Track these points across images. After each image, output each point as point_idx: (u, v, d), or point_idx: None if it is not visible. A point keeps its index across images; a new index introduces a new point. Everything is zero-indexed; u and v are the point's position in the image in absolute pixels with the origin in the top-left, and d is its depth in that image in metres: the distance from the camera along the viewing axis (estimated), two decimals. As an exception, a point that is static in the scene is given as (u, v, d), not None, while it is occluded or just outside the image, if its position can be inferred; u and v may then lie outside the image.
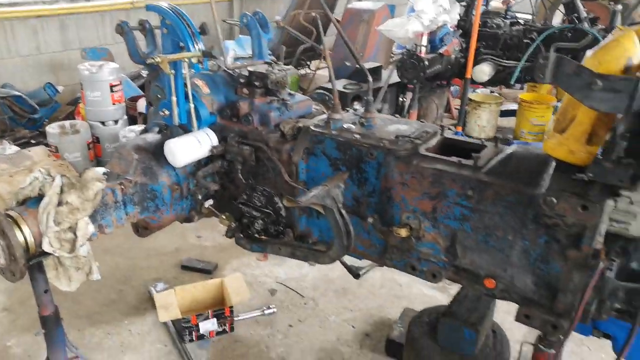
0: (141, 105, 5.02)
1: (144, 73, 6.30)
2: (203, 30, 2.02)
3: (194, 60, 2.00)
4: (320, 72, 7.70)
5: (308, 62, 8.18)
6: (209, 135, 2.27)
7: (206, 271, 3.39)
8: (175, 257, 3.59)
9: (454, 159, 1.76)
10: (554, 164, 1.56)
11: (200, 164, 2.32)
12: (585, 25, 4.94)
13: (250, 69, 2.27)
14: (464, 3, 5.52)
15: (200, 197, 2.41)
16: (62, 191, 2.00)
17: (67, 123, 4.87)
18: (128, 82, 5.60)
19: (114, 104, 4.92)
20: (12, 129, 5.72)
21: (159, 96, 2.26)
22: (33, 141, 5.54)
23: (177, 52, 2.08)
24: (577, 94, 1.27)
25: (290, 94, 2.37)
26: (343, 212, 1.87)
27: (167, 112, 2.17)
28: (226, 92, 2.34)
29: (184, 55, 1.98)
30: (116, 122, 4.99)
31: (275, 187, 2.25)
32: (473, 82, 5.34)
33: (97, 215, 2.10)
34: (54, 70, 6.54)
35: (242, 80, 2.27)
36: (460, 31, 5.44)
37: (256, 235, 2.35)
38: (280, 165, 2.14)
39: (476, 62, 5.28)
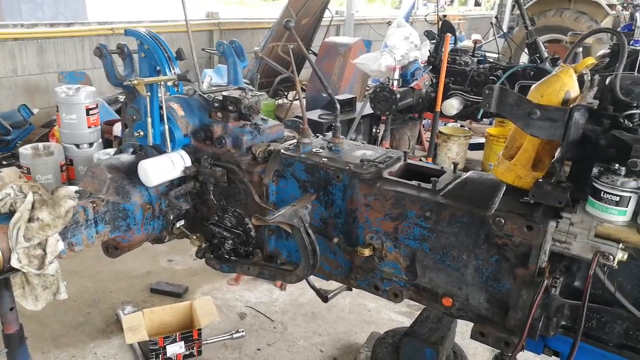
0: (117, 129, 5.05)
1: (121, 98, 6.35)
2: (179, 55, 2.12)
3: (169, 84, 2.09)
4: (297, 102, 7.87)
5: (285, 93, 8.37)
6: (182, 156, 2.33)
7: (176, 294, 3.38)
8: (146, 281, 3.57)
9: (414, 182, 1.87)
10: (504, 188, 1.68)
11: (173, 184, 2.38)
12: (547, 64, 5.25)
13: (224, 93, 2.36)
14: (434, 41, 5.80)
15: (172, 217, 2.46)
16: (33, 207, 2.02)
17: (40, 145, 4.85)
18: (105, 106, 5.64)
19: (89, 127, 4.93)
20: (-17, 150, 5.65)
21: (134, 117, 2.33)
22: (5, 162, 5.48)
23: (154, 75, 2.17)
24: (519, 122, 1.40)
25: (263, 119, 2.46)
26: (310, 231, 1.94)
27: (142, 133, 2.24)
28: (200, 116, 2.42)
29: (160, 78, 2.07)
30: (91, 145, 5.00)
31: (246, 209, 2.31)
32: (443, 115, 5.56)
33: (67, 232, 2.12)
34: (30, 92, 6.53)
35: (216, 105, 2.36)
36: (431, 67, 5.69)
37: (226, 255, 2.40)
38: (252, 186, 2.21)
39: (446, 97, 5.52)
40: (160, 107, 2.19)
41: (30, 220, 2.00)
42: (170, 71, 2.10)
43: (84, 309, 3.21)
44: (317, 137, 2.37)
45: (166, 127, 2.22)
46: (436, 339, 2.16)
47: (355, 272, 2.01)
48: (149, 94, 2.11)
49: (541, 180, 1.46)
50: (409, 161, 2.15)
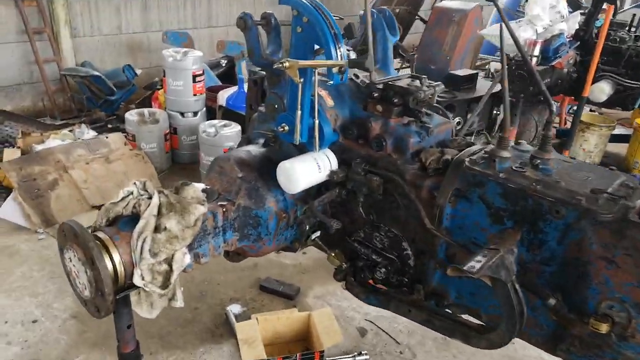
0: (221, 97, 4.72)
1: (224, 62, 6.03)
2: (349, 33, 1.61)
3: (334, 70, 1.59)
4: (400, 72, 7.20)
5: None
6: (329, 157, 1.88)
7: (287, 296, 3.03)
8: (254, 274, 3.25)
9: (689, 236, 1.28)
10: None
11: (310, 189, 1.94)
12: None
13: (387, 81, 1.85)
14: (585, 10, 4.86)
15: (307, 227, 2.05)
16: (159, 213, 1.68)
17: (146, 111, 4.64)
18: (208, 71, 5.32)
19: (195, 94, 4.63)
20: (89, 110, 5.60)
21: (275, 106, 1.89)
22: (110, 125, 5.40)
23: (309, 56, 1.69)
24: None
25: (427, 114, 1.93)
26: (517, 286, 1.42)
27: (286, 128, 1.80)
28: (352, 106, 1.94)
29: (324, 62, 1.58)
30: (195, 114, 4.72)
31: (404, 229, 1.84)
32: (588, 101, 4.70)
33: (194, 242, 1.77)
34: (133, 51, 6.40)
35: (375, 94, 1.85)
36: (578, 42, 4.79)
37: (370, 280, 1.96)
38: (420, 205, 1.72)
39: (593, 79, 4.63)
40: (312, 97, 1.73)
41: (156, 229, 1.65)
42: (336, 53, 1.60)
43: (192, 303, 2.94)
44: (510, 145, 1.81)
45: (316, 122, 1.76)
46: None
47: (569, 343, 1.48)
48: (301, 80, 1.63)
49: None
50: (650, 192, 1.53)
